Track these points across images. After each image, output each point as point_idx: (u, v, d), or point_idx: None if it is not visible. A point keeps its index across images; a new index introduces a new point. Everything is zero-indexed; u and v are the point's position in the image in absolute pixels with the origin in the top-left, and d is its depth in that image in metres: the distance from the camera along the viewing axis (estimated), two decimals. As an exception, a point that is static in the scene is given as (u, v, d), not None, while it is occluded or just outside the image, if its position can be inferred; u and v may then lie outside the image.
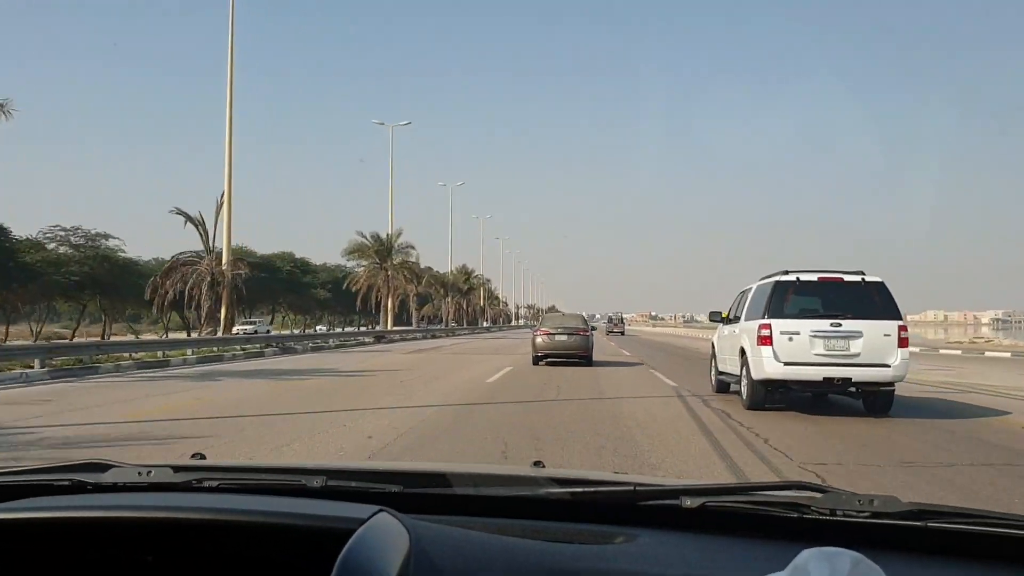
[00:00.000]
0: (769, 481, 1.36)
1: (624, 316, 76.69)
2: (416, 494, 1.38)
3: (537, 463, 1.76)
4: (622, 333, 60.85)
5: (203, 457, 1.93)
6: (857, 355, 9.36)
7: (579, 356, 18.75)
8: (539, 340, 18.90)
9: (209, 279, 31.78)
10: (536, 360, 18.91)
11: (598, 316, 55.37)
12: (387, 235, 51.93)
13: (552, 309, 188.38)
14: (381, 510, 1.06)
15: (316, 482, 1.38)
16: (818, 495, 1.28)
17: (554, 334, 18.86)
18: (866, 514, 1.21)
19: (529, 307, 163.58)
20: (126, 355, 20.18)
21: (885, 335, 9.39)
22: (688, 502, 1.26)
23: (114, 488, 1.39)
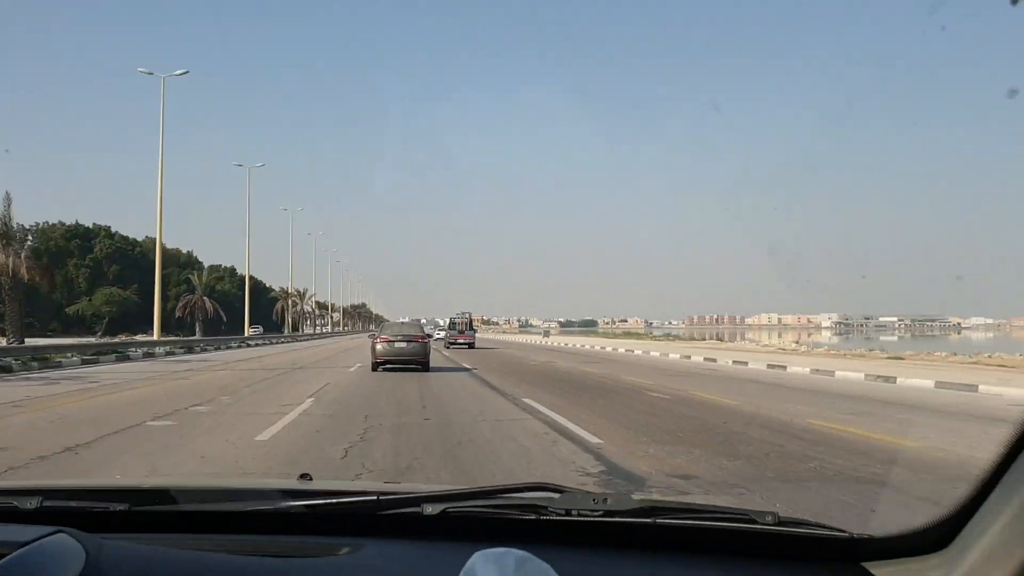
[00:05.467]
0: (512, 484, 1.40)
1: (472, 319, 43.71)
2: (143, 512, 1.33)
3: (304, 476, 1.73)
4: (470, 345, 39.14)
5: None
6: None
7: (417, 362, 19.34)
8: (379, 347, 19.38)
9: None
10: (375, 366, 19.24)
11: (424, 320, 45.38)
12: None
13: (361, 307, 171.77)
14: (59, 531, 1.00)
15: (31, 503, 1.29)
16: (556, 496, 1.32)
17: (393, 341, 19.36)
18: (599, 513, 1.26)
19: (295, 290, 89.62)
20: None
21: None
22: (429, 509, 1.27)
23: None
